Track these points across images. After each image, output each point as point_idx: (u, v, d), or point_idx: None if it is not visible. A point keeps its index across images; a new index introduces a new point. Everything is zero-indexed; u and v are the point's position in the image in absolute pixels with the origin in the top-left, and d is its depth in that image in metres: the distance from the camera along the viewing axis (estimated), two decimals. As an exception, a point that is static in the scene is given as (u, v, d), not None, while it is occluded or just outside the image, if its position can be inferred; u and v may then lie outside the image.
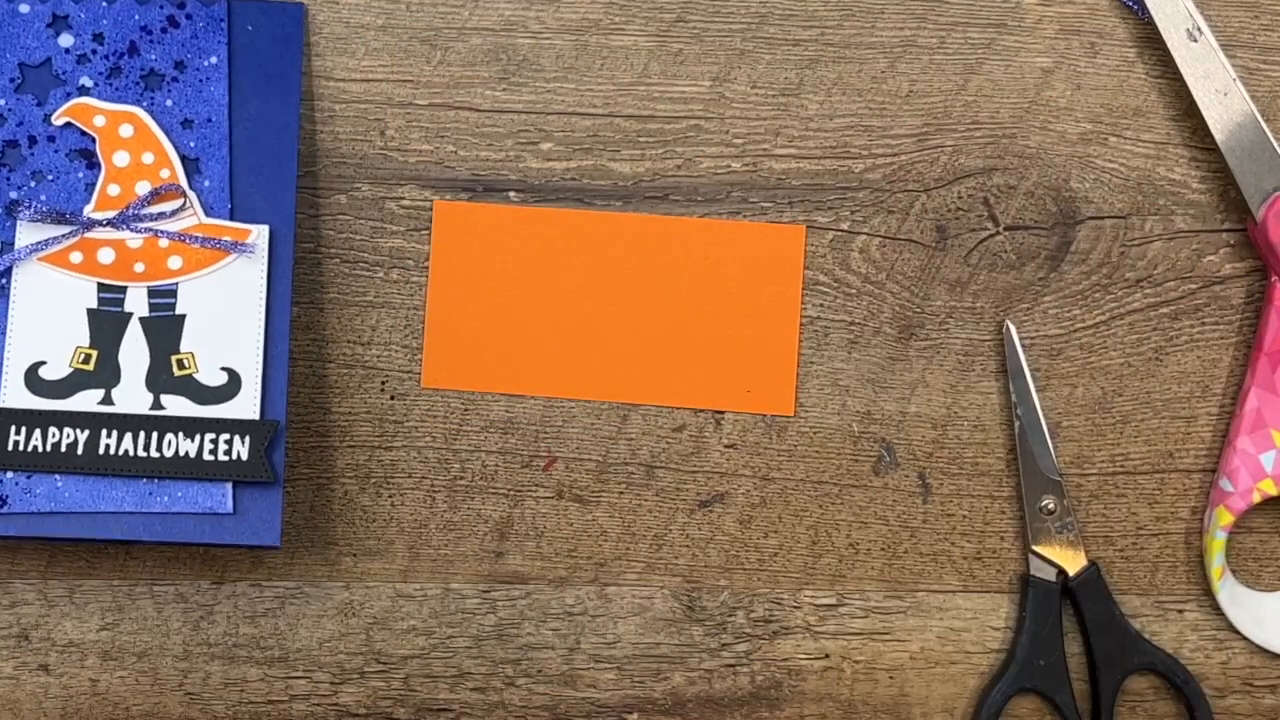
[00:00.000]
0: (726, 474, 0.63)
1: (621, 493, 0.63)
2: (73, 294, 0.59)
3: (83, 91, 0.60)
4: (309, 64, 0.63)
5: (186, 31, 0.61)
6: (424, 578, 0.63)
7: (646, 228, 0.63)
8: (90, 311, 0.59)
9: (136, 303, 0.59)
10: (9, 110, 0.60)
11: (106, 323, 0.59)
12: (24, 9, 0.60)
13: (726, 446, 0.63)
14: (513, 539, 0.63)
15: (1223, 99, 0.62)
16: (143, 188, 0.60)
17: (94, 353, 0.59)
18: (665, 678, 0.63)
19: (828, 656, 0.63)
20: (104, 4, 0.60)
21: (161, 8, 0.61)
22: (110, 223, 0.59)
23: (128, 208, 0.59)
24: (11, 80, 0.60)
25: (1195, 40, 0.62)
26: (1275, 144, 0.62)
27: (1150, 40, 0.64)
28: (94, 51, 0.60)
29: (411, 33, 0.63)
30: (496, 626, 0.63)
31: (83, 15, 0.60)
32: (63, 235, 0.59)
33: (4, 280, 0.59)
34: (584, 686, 0.63)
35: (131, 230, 0.59)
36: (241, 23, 0.61)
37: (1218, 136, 0.62)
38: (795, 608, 0.63)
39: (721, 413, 0.63)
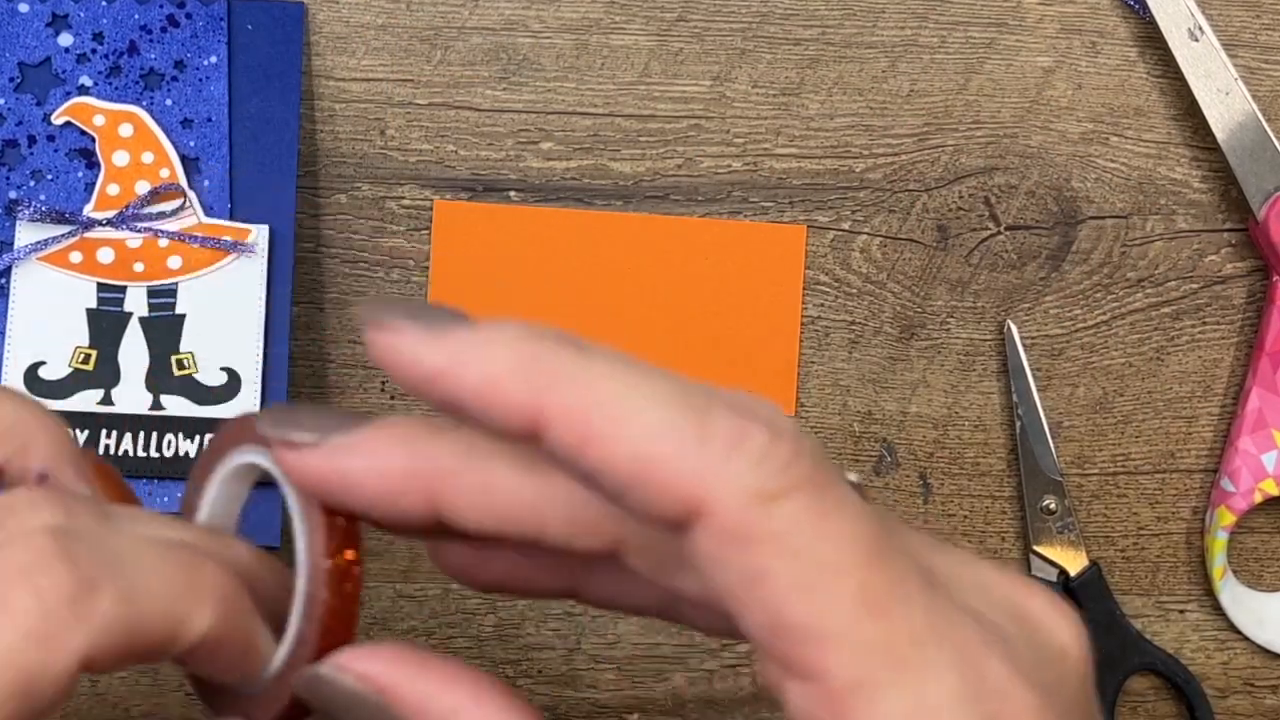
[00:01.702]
0: (727, 474, 0.63)
1: (622, 493, 0.63)
2: (72, 294, 0.59)
3: (82, 91, 0.60)
4: (309, 63, 0.63)
5: (186, 31, 0.60)
6: (424, 578, 0.62)
7: (647, 227, 0.63)
8: (90, 311, 0.59)
9: (136, 302, 0.59)
10: (8, 110, 0.60)
11: (106, 322, 0.59)
12: (23, 8, 0.60)
13: (727, 446, 0.63)
14: (513, 539, 0.63)
15: (1224, 98, 0.62)
16: (142, 187, 0.59)
17: (93, 352, 0.59)
18: (666, 678, 0.63)
19: (828, 657, 0.63)
20: (104, 3, 0.60)
21: (161, 7, 0.60)
22: (110, 222, 0.59)
23: (127, 207, 0.59)
24: (11, 79, 0.60)
25: (1197, 40, 0.62)
26: (1277, 143, 0.62)
27: (1151, 40, 0.64)
28: (93, 51, 0.60)
29: (412, 32, 0.63)
30: (497, 627, 0.63)
31: (82, 14, 0.60)
32: (62, 235, 0.59)
33: (3, 280, 0.59)
34: (584, 687, 0.63)
35: (131, 230, 0.59)
36: (241, 22, 0.61)
37: (1219, 136, 0.62)
38: (796, 608, 0.63)
39: (722, 413, 0.63)
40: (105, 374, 0.58)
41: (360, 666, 0.32)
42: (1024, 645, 0.28)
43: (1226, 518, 0.62)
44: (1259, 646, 0.63)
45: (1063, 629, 0.29)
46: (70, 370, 0.58)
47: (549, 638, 0.63)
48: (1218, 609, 0.63)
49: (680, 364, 0.63)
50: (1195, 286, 0.64)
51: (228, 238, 0.59)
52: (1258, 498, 0.62)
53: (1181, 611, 0.64)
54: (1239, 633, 0.63)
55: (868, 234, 0.63)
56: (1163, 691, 0.63)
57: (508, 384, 0.28)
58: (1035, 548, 0.63)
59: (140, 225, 0.59)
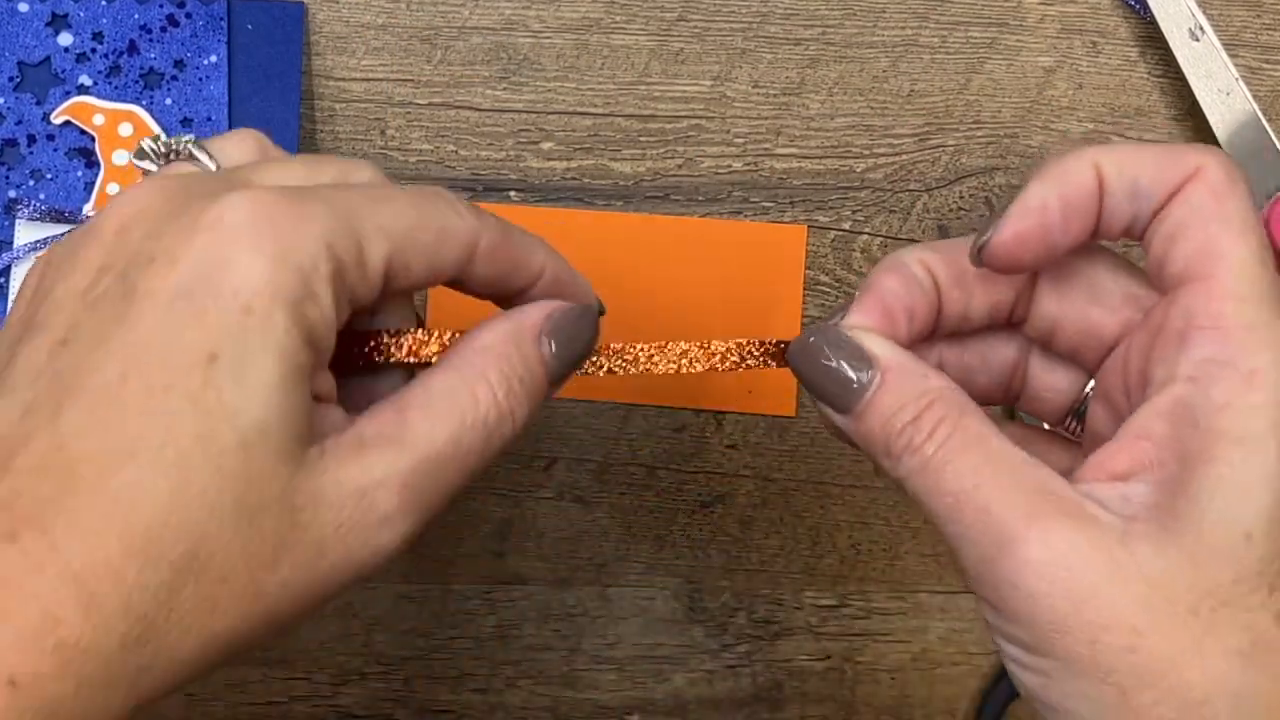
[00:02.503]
0: (728, 474, 0.63)
1: (622, 493, 0.63)
2: (72, 293, 0.59)
3: (82, 90, 0.60)
4: (309, 63, 0.63)
5: (186, 30, 0.60)
6: (425, 579, 0.62)
7: (647, 227, 0.63)
8: (89, 311, 0.59)
9: (136, 302, 0.59)
10: (8, 109, 0.60)
11: (106, 322, 0.59)
12: (23, 8, 0.60)
13: (728, 447, 0.63)
14: (513, 540, 0.63)
15: (1225, 98, 0.62)
16: (142, 187, 0.59)
17: (93, 352, 0.58)
18: (666, 679, 0.63)
19: (829, 657, 0.63)
20: (103, 3, 0.60)
21: (161, 6, 0.60)
22: (109, 222, 0.59)
23: (127, 207, 0.59)
24: (10, 79, 0.60)
25: (1197, 39, 0.62)
26: (1277, 143, 0.62)
27: (1152, 39, 0.64)
28: (93, 50, 0.60)
29: (412, 32, 0.63)
30: (497, 628, 0.62)
31: (82, 14, 0.60)
32: (62, 234, 0.59)
33: (2, 279, 0.59)
34: (585, 688, 0.63)
35: (131, 229, 0.59)
36: (241, 22, 0.61)
37: (1220, 136, 0.62)
38: (797, 608, 0.63)
39: (723, 413, 0.63)
40: (105, 374, 0.58)
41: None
42: None
43: (1228, 518, 0.62)
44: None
45: None
46: (69, 370, 0.58)
47: (549, 638, 0.63)
48: (1219, 609, 0.63)
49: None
50: (1196, 287, 0.64)
51: (227, 237, 0.59)
52: (1259, 498, 0.62)
53: (1183, 612, 0.64)
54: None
55: (868, 234, 0.63)
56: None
57: (1054, 217, 0.41)
58: (1036, 548, 0.63)
59: (140, 225, 0.59)
